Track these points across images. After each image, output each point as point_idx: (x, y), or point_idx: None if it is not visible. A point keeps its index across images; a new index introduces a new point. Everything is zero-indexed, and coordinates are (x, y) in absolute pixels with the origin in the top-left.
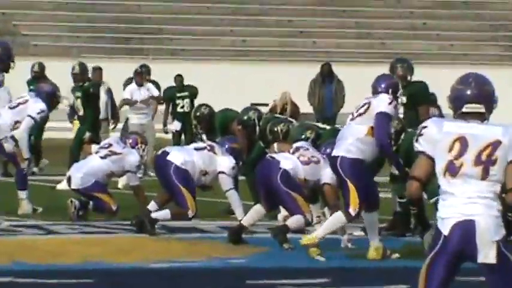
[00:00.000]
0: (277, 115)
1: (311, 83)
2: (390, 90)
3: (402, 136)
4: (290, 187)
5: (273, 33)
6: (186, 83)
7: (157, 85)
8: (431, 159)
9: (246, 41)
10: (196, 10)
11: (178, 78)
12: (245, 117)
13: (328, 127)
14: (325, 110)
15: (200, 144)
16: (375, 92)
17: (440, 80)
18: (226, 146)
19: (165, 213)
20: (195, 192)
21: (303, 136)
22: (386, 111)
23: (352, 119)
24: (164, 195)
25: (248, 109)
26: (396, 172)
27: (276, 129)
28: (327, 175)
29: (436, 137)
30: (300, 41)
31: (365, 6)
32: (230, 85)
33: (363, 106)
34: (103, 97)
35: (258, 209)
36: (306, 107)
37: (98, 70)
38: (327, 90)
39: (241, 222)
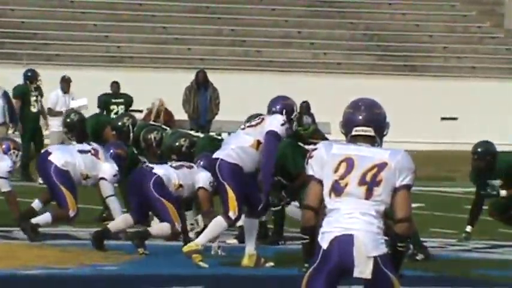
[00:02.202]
0: (151, 122)
1: (186, 90)
2: (284, 111)
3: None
4: (162, 194)
5: (148, 39)
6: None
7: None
8: (321, 184)
9: (121, 47)
10: (71, 15)
11: (115, 85)
12: (119, 123)
13: (202, 135)
14: (200, 118)
15: (85, 147)
16: (269, 113)
17: (314, 88)
18: (111, 151)
19: (46, 216)
20: (75, 193)
21: (177, 144)
22: (277, 131)
23: (242, 129)
24: (47, 194)
25: (122, 115)
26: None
27: (149, 136)
28: (201, 179)
29: (324, 158)
30: (174, 48)
31: (240, 14)
32: (104, 91)
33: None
34: None
35: (126, 218)
36: (180, 114)
37: None
38: (202, 98)
39: (107, 226)
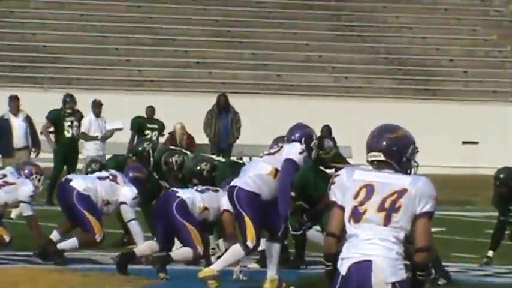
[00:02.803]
0: (172, 146)
1: (207, 114)
2: (303, 140)
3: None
4: (186, 218)
5: (169, 63)
6: (85, 112)
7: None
8: (343, 210)
9: (142, 71)
10: (92, 39)
11: (150, 109)
12: (139, 148)
13: (223, 159)
14: (221, 142)
15: (103, 174)
16: (288, 141)
17: (335, 112)
18: (130, 175)
19: (72, 241)
20: (100, 217)
21: (198, 168)
22: (295, 160)
23: (261, 156)
24: (67, 224)
25: (142, 140)
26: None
27: (171, 160)
28: (226, 202)
29: (346, 184)
30: (195, 72)
31: (261, 37)
32: (126, 116)
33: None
34: (21, 125)
35: (151, 244)
36: (201, 138)
37: (14, 99)
38: (223, 122)
39: (134, 250)
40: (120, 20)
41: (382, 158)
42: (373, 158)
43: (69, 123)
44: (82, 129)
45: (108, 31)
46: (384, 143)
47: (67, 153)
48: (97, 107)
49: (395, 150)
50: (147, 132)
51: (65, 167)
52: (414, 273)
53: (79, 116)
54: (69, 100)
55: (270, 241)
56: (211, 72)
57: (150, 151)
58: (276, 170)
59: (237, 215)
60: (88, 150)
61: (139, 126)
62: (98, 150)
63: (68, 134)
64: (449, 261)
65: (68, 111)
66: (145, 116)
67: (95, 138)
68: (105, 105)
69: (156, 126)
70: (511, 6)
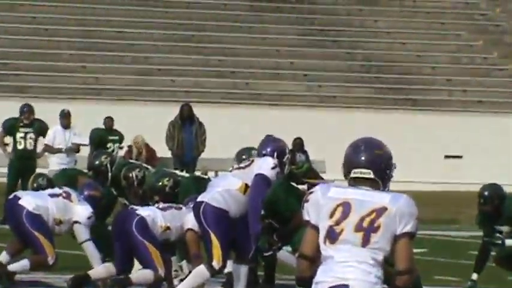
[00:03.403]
0: (132, 160)
1: (169, 125)
2: (275, 155)
3: None
4: (146, 237)
5: (129, 70)
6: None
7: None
8: (318, 230)
9: (99, 79)
10: (45, 44)
11: (109, 120)
12: (96, 162)
13: (187, 174)
14: (185, 155)
15: (55, 190)
16: (259, 155)
17: (307, 123)
18: (86, 193)
19: (24, 263)
20: (52, 238)
21: (160, 183)
22: (267, 175)
23: (230, 170)
24: (17, 244)
25: (99, 153)
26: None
27: (130, 175)
28: (190, 220)
29: (320, 202)
30: (157, 80)
31: (228, 43)
32: (81, 127)
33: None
34: None
35: (108, 267)
36: (163, 152)
37: None
38: (187, 133)
39: (88, 272)
40: (75, 23)
41: (371, 175)
42: (361, 175)
43: (22, 135)
44: (45, 141)
45: (62, 35)
46: (375, 159)
47: (20, 168)
48: (65, 117)
49: (383, 167)
50: (108, 145)
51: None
52: None
53: (38, 127)
54: (26, 110)
55: (238, 262)
56: (174, 80)
57: (108, 165)
58: (246, 185)
59: (203, 233)
60: (51, 164)
61: (99, 138)
62: (61, 165)
63: (20, 146)
64: (431, 285)
65: (25, 121)
66: (103, 127)
67: (58, 151)
68: (59, 115)
69: (116, 137)
70: (498, 10)
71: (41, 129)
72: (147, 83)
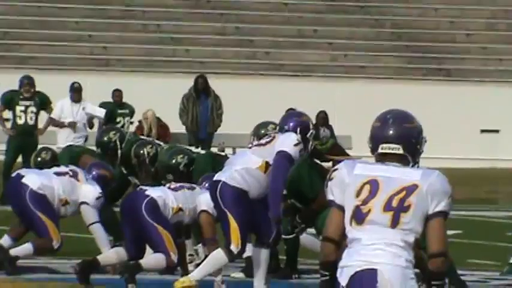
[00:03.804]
0: (143, 136)
1: (183, 99)
2: (298, 130)
3: None
4: (157, 220)
5: (139, 39)
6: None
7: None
8: (343, 210)
9: (107, 48)
10: (49, 11)
11: (118, 93)
12: (105, 139)
13: (202, 151)
14: (200, 131)
15: (61, 169)
16: (281, 130)
17: (332, 96)
18: (94, 173)
19: (26, 247)
20: (57, 220)
21: (173, 161)
22: (290, 153)
23: (250, 147)
24: (19, 227)
25: (108, 129)
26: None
27: (142, 151)
28: (204, 202)
29: (345, 180)
30: (170, 49)
31: (247, 9)
32: (87, 100)
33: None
34: None
35: (118, 252)
36: (176, 127)
37: None
38: (202, 107)
39: (97, 257)
40: None
41: (401, 151)
42: (389, 151)
43: (22, 108)
44: (52, 115)
45: (67, 1)
46: (404, 134)
47: (20, 144)
48: (76, 91)
49: (414, 142)
50: (118, 119)
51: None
52: (428, 283)
53: (40, 101)
54: (26, 82)
55: (258, 246)
56: (188, 49)
57: (118, 142)
58: (267, 163)
59: (219, 215)
60: (59, 139)
61: (109, 113)
62: (69, 142)
63: (20, 121)
64: (466, 269)
65: (25, 94)
66: (111, 100)
67: (61, 125)
68: (64, 88)
69: (127, 111)
70: None
71: (42, 102)
72: (158, 52)
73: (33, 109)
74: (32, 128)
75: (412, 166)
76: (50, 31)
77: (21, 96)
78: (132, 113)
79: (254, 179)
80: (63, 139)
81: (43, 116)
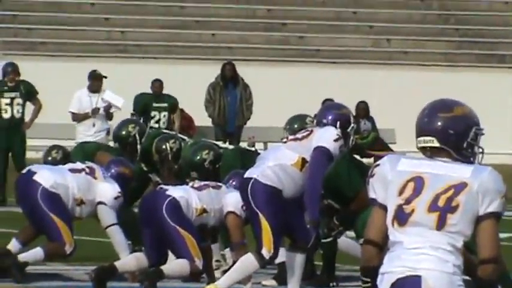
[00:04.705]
0: (165, 130)
1: (209, 88)
2: (338, 124)
3: None
4: (179, 222)
5: (160, 23)
6: (52, 84)
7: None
8: (386, 210)
9: (125, 33)
10: None
11: (157, 83)
12: (123, 133)
13: (230, 146)
14: (228, 124)
15: (77, 165)
16: (319, 124)
17: (373, 84)
18: (113, 171)
19: (37, 252)
20: (70, 222)
21: (198, 157)
22: (329, 148)
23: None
24: (29, 230)
25: (126, 122)
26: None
27: (164, 146)
28: (231, 202)
29: (388, 177)
30: (194, 34)
31: None
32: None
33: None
34: None
35: (138, 258)
36: (202, 120)
37: None
38: (230, 98)
39: (115, 263)
40: None
41: (436, 143)
42: (424, 144)
43: (7, 101)
44: (70, 109)
45: None
46: (439, 124)
47: (8, 141)
48: (95, 79)
49: (452, 133)
50: (153, 113)
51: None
52: None
53: (26, 91)
54: (10, 70)
55: (292, 251)
56: (215, 34)
57: (137, 136)
58: (303, 160)
59: (250, 216)
60: (78, 134)
61: (144, 106)
62: (88, 136)
63: (5, 115)
64: None
65: (9, 84)
66: (151, 91)
67: (85, 117)
68: (78, 76)
69: (165, 104)
70: None
71: (28, 92)
72: (182, 37)
73: (20, 101)
74: (20, 121)
75: (464, 162)
76: (63, 14)
77: (5, 87)
78: (172, 107)
79: (289, 176)
80: (82, 134)
81: (29, 107)
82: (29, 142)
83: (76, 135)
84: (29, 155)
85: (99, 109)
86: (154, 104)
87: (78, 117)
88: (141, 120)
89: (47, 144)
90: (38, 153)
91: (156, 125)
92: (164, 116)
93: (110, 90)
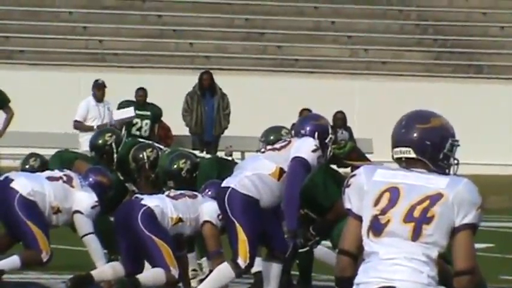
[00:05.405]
0: (142, 139)
1: (186, 98)
2: (316, 135)
3: None
4: (154, 231)
5: (138, 32)
6: (30, 92)
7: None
8: (361, 220)
9: (103, 42)
10: (39, 1)
11: (141, 92)
12: (99, 142)
13: (207, 155)
14: (205, 133)
15: (55, 173)
16: (297, 135)
17: (351, 94)
18: (91, 179)
19: (13, 260)
20: (47, 230)
21: (175, 166)
22: (307, 159)
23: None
24: (4, 238)
25: (103, 131)
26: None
27: (141, 155)
28: (207, 211)
29: (364, 187)
30: (172, 43)
31: (263, 0)
32: (82, 98)
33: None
34: None
35: (115, 267)
36: (179, 129)
37: None
38: (207, 107)
39: (91, 272)
40: None
41: (412, 154)
42: (400, 155)
43: None
44: (76, 117)
45: None
46: (415, 135)
47: None
48: (99, 88)
49: (429, 144)
50: (135, 120)
51: None
52: None
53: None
54: None
55: (268, 260)
56: (192, 43)
57: (114, 145)
58: (281, 170)
59: (227, 225)
60: (82, 144)
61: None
62: None
63: None
64: (498, 286)
65: None
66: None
67: (90, 129)
68: (56, 84)
69: (148, 113)
70: None
71: (1, 100)
72: (159, 47)
73: None
74: None
75: (438, 173)
76: (41, 22)
77: None
78: (155, 116)
79: (266, 186)
80: (86, 144)
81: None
82: (7, 150)
83: (81, 144)
84: (6, 163)
85: (106, 125)
86: (138, 112)
87: (82, 127)
88: (124, 128)
89: (25, 152)
90: (15, 161)
91: (138, 133)
92: (146, 124)
93: (114, 109)
